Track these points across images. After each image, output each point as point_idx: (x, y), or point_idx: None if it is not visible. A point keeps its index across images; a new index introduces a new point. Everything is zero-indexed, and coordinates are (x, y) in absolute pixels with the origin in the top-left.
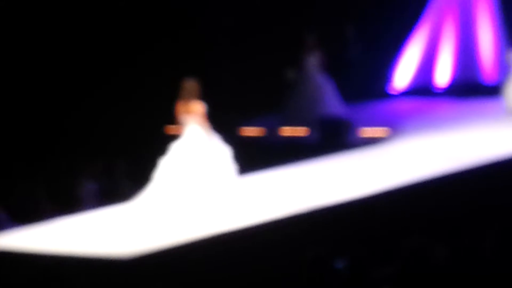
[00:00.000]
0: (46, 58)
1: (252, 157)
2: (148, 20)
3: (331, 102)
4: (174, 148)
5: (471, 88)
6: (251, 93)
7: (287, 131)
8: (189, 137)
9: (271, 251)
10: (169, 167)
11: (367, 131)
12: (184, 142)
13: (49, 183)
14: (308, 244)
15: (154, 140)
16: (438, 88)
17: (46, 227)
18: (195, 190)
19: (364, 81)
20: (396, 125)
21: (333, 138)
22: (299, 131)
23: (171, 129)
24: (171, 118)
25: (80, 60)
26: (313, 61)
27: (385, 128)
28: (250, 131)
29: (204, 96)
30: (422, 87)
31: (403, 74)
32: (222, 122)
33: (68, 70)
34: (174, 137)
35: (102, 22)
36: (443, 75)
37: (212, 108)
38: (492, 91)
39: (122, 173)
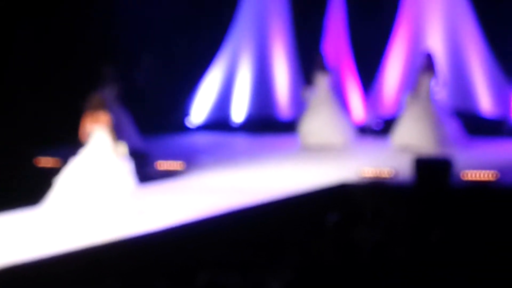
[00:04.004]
0: None
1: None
2: None
3: (128, 134)
4: (81, 155)
5: (266, 123)
6: (47, 124)
7: None
8: (95, 145)
9: None
10: (72, 175)
11: (163, 164)
12: (90, 150)
13: None
14: (99, 279)
15: None
16: (235, 123)
17: None
18: (92, 199)
19: (162, 114)
20: (192, 159)
21: None
22: None
23: None
24: None
25: None
26: (109, 93)
27: (180, 162)
28: (46, 161)
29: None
30: (219, 122)
31: (200, 108)
32: (17, 153)
33: None
34: None
35: None
36: (239, 110)
37: (8, 139)
38: (287, 127)
39: None
